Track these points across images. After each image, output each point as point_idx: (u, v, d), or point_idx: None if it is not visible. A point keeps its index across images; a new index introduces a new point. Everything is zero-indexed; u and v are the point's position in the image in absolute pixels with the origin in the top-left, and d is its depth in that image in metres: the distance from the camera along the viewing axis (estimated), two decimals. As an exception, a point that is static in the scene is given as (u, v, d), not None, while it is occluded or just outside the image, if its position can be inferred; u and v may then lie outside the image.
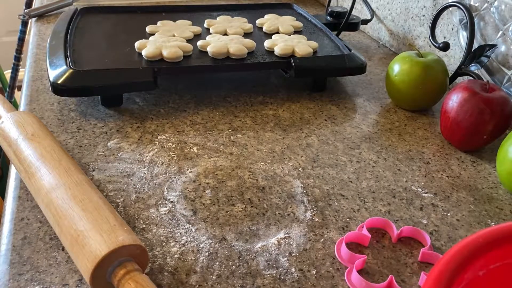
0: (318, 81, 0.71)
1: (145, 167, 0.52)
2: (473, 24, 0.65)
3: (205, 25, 0.77)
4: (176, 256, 0.41)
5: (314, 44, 0.70)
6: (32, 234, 0.42)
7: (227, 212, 0.46)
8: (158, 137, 0.57)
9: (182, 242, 0.42)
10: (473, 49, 0.66)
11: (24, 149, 0.45)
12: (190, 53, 0.66)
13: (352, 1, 0.84)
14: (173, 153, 0.54)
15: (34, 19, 0.93)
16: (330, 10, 0.89)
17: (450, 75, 0.69)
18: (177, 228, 0.44)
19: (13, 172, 0.50)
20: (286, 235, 0.44)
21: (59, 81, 0.57)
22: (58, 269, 0.39)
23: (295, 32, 0.77)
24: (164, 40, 0.67)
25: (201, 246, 0.42)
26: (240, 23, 0.78)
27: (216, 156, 0.55)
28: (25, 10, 0.93)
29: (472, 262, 0.28)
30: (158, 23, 0.75)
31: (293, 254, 0.42)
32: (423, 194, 0.51)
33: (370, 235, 0.43)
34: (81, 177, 0.42)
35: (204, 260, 0.41)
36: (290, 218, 0.46)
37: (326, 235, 0.44)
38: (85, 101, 0.64)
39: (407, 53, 0.66)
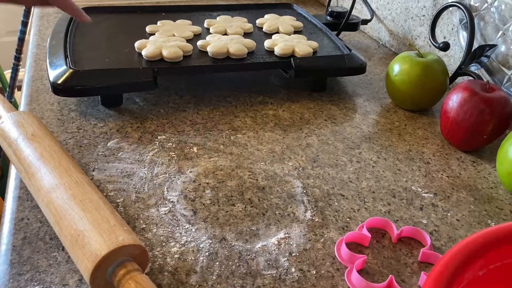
0: (318, 81, 0.71)
1: (145, 167, 0.52)
2: (473, 24, 0.65)
3: (205, 25, 0.77)
4: (176, 256, 0.41)
5: (314, 44, 0.70)
6: (32, 234, 0.42)
7: (227, 212, 0.46)
8: (158, 137, 0.57)
9: (182, 242, 0.42)
10: (473, 49, 0.66)
11: (24, 149, 0.45)
12: (190, 53, 0.66)
13: (352, 1, 0.84)
14: (173, 153, 0.54)
15: (34, 19, 0.93)
16: (330, 10, 0.89)
17: (450, 75, 0.69)
18: (177, 228, 0.44)
19: (13, 172, 0.50)
20: (286, 235, 0.44)
21: (59, 81, 0.57)
22: (58, 269, 0.39)
23: (295, 32, 0.77)
24: (164, 40, 0.67)
25: (201, 246, 0.42)
26: (240, 23, 0.78)
27: (216, 156, 0.55)
28: (25, 9, 0.93)
29: (472, 262, 0.28)
30: (158, 23, 0.75)
31: (293, 254, 0.42)
32: (423, 194, 0.51)
33: (370, 235, 0.43)
34: (81, 177, 0.42)
35: (204, 260, 0.41)
36: (290, 218, 0.46)
37: (326, 235, 0.44)
38: (85, 101, 0.64)
39: (407, 53, 0.66)
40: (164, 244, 0.42)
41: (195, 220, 0.45)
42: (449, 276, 0.26)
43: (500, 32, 0.64)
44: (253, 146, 0.57)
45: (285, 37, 0.72)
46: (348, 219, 0.47)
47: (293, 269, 0.41)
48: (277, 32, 0.76)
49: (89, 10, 0.79)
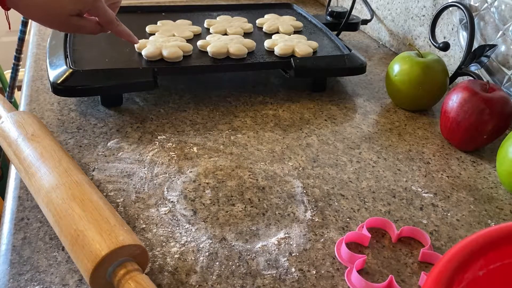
0: (318, 81, 0.71)
1: (145, 167, 0.52)
2: (473, 24, 0.65)
3: (205, 25, 0.77)
4: (176, 256, 0.41)
5: (314, 44, 0.70)
6: (32, 234, 0.42)
7: (227, 212, 0.46)
8: (158, 137, 0.57)
9: (182, 242, 0.42)
10: (473, 49, 0.66)
11: (24, 149, 0.45)
12: (190, 53, 0.66)
13: (352, 1, 0.84)
14: (173, 153, 0.54)
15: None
16: (330, 10, 0.89)
17: (450, 75, 0.69)
18: (177, 228, 0.44)
19: (13, 172, 0.50)
20: (286, 235, 0.44)
21: (59, 81, 0.57)
22: (58, 269, 0.39)
23: (295, 32, 0.77)
24: (164, 40, 0.67)
25: (201, 246, 0.42)
26: (240, 23, 0.78)
27: (216, 156, 0.55)
28: None
29: (472, 262, 0.28)
30: (158, 23, 0.75)
31: (293, 254, 0.42)
32: (423, 194, 0.51)
33: (370, 235, 0.43)
34: (81, 177, 0.42)
35: (204, 260, 0.41)
36: (290, 218, 0.46)
37: (326, 235, 0.44)
38: (85, 101, 0.64)
39: (407, 53, 0.66)
40: (164, 244, 0.42)
41: (195, 220, 0.45)
42: (449, 276, 0.26)
43: (500, 32, 0.64)
44: (253, 146, 0.57)
45: (285, 37, 0.72)
46: (348, 219, 0.47)
47: (293, 269, 0.41)
48: (277, 32, 0.76)
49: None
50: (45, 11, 0.51)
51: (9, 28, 0.58)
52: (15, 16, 0.58)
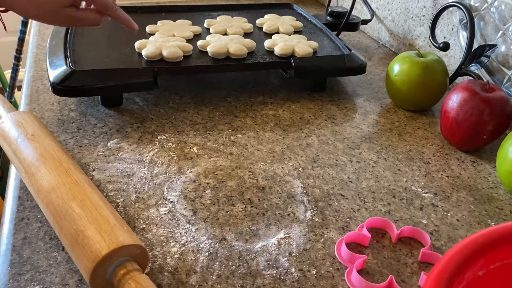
0: (318, 81, 0.71)
1: (145, 167, 0.52)
2: (473, 24, 0.65)
3: (205, 25, 0.77)
4: (176, 256, 0.41)
5: (314, 44, 0.70)
6: (32, 234, 0.42)
7: (227, 212, 0.46)
8: (158, 137, 0.57)
9: (182, 242, 0.42)
10: (473, 49, 0.66)
11: (24, 149, 0.45)
12: (190, 53, 0.66)
13: (352, 1, 0.84)
14: (173, 153, 0.54)
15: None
16: (330, 10, 0.89)
17: (450, 75, 0.69)
18: (177, 228, 0.44)
19: (13, 172, 0.50)
20: (286, 235, 0.44)
21: (59, 81, 0.57)
22: (58, 269, 0.39)
23: (295, 32, 0.77)
24: (164, 40, 0.67)
25: (201, 246, 0.42)
26: (240, 23, 0.78)
27: (216, 156, 0.55)
28: None
29: (472, 262, 0.28)
30: (158, 23, 0.75)
31: (293, 254, 0.42)
32: (423, 194, 0.51)
33: (370, 235, 0.43)
34: (81, 177, 0.42)
35: (204, 260, 0.41)
36: (290, 218, 0.46)
37: (326, 235, 0.44)
38: (85, 101, 0.64)
39: (407, 53, 0.66)
40: (164, 244, 0.42)
41: (195, 220, 0.45)
42: (449, 276, 0.26)
43: (500, 32, 0.64)
44: (253, 146, 0.57)
45: (285, 37, 0.72)
46: (348, 219, 0.47)
47: (293, 269, 0.41)
48: (277, 32, 0.76)
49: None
50: (39, 6, 0.50)
51: (5, 30, 0.57)
52: (15, 16, 0.58)
